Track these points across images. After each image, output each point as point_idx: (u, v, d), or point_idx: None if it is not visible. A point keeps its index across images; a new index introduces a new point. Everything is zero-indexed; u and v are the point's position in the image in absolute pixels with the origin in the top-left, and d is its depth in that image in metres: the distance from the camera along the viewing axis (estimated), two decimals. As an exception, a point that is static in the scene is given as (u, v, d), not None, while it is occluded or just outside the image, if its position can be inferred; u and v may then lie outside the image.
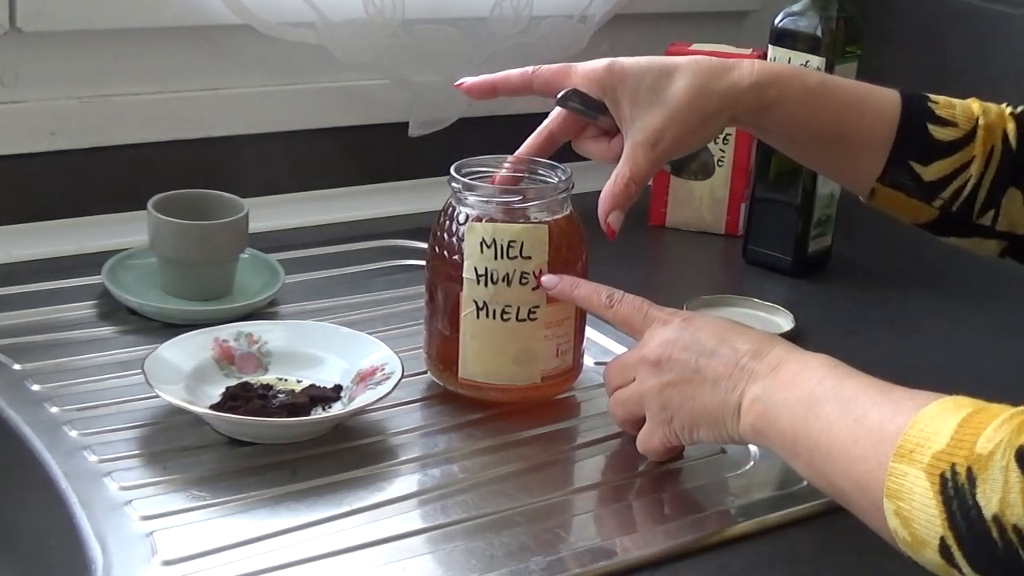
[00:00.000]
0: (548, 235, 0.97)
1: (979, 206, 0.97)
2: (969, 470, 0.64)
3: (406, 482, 0.91)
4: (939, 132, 0.95)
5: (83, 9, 1.22)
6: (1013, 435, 0.63)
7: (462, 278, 0.97)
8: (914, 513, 0.66)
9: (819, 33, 1.25)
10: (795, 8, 1.27)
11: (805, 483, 0.88)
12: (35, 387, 0.98)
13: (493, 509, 0.87)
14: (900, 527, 0.68)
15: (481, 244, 0.96)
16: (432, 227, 1.01)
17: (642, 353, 0.89)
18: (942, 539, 0.65)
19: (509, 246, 0.96)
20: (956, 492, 0.64)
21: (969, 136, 0.96)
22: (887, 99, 0.97)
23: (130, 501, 0.85)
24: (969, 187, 0.96)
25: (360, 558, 0.82)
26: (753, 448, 0.94)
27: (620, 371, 0.93)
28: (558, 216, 0.99)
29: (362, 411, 0.96)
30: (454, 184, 0.99)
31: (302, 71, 1.37)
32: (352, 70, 1.36)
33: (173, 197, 1.13)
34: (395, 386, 0.96)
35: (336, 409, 0.96)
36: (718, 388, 0.84)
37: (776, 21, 1.28)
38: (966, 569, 0.65)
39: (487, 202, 0.98)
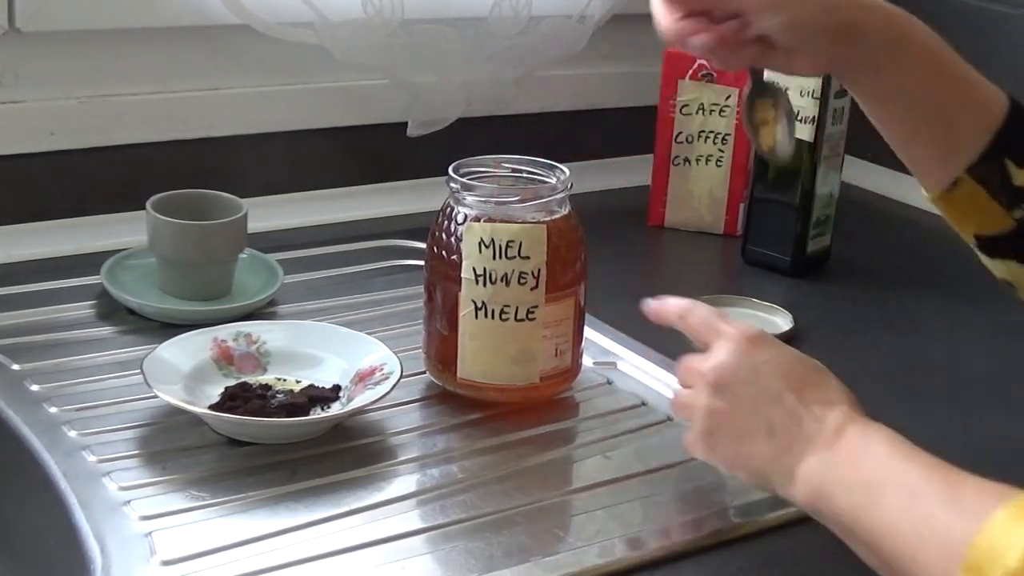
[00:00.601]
0: (547, 235, 0.97)
1: None
2: None
3: (405, 482, 0.91)
4: None
5: (82, 9, 1.22)
6: None
7: (461, 278, 0.97)
8: None
9: (818, 33, 1.25)
10: (794, 8, 1.27)
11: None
12: (34, 387, 0.98)
13: (492, 509, 0.88)
14: None
15: (480, 244, 0.96)
16: (431, 227, 1.01)
17: (702, 368, 0.83)
18: None
19: (508, 246, 0.96)
20: None
21: None
22: (996, 91, 0.92)
23: (129, 501, 0.85)
24: None
25: (359, 558, 0.82)
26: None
27: (686, 373, 0.86)
28: (556, 216, 0.99)
29: (361, 411, 0.96)
30: (453, 184, 0.99)
31: (301, 71, 1.37)
32: (351, 70, 1.36)
33: (172, 197, 1.13)
34: (394, 386, 0.96)
35: (335, 409, 0.96)
36: (773, 442, 0.79)
37: (775, 21, 1.28)
38: None
39: (485, 202, 0.98)
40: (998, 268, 0.93)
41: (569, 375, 1.02)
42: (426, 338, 1.02)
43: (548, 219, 0.98)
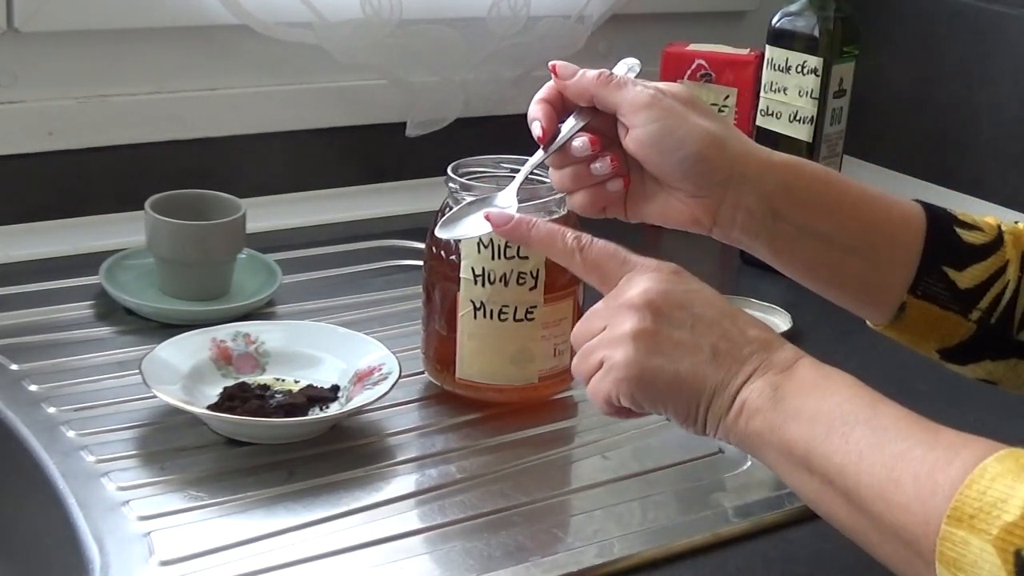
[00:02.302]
0: (545, 235, 0.97)
1: (1020, 316, 0.85)
2: None
3: (403, 482, 0.91)
4: (968, 235, 0.84)
5: (81, 9, 1.22)
6: None
7: (459, 278, 0.97)
8: None
9: (816, 33, 1.25)
10: (792, 8, 1.27)
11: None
12: (32, 387, 0.98)
13: (491, 509, 0.88)
14: None
15: (478, 244, 0.96)
16: (430, 227, 1.01)
17: (621, 299, 0.75)
18: None
19: (506, 246, 0.96)
20: None
21: (998, 240, 0.85)
22: (907, 203, 0.86)
23: (128, 501, 0.85)
24: (1008, 294, 0.84)
25: (358, 558, 0.82)
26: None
27: (587, 325, 0.77)
28: (555, 216, 0.99)
29: (359, 411, 0.96)
30: (451, 184, 0.99)
31: (300, 71, 1.37)
32: (350, 70, 1.36)
33: (171, 197, 1.13)
34: (392, 386, 0.96)
35: (333, 409, 0.96)
36: (714, 365, 0.72)
37: (773, 21, 1.28)
38: None
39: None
40: (975, 372, 0.88)
41: (568, 375, 1.02)
42: (425, 338, 1.02)
43: (547, 219, 0.98)
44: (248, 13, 1.27)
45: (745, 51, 1.37)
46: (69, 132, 1.26)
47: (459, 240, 0.96)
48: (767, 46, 1.28)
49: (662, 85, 0.83)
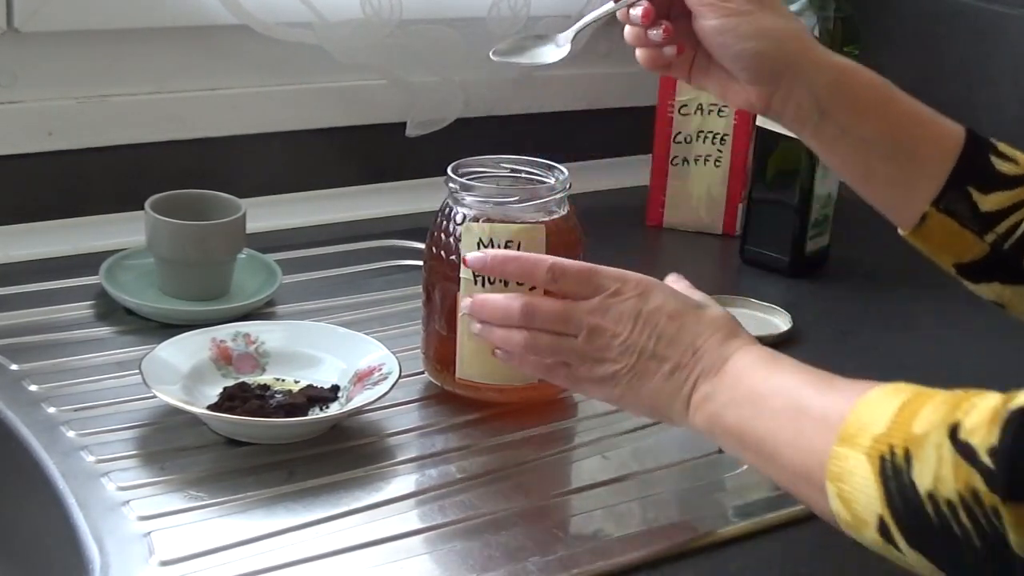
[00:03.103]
0: (545, 235, 0.97)
1: None
2: (906, 451, 0.66)
3: (403, 482, 0.91)
4: (1001, 165, 0.91)
5: (80, 10, 1.22)
6: (947, 415, 0.66)
7: (459, 278, 0.97)
8: (855, 494, 0.69)
9: (816, 33, 1.25)
10: (792, 8, 1.27)
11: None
12: (32, 387, 0.98)
13: (490, 509, 0.88)
14: (841, 508, 0.70)
15: (478, 244, 0.96)
16: (430, 227, 1.01)
17: (596, 322, 0.86)
18: (880, 518, 0.68)
19: (506, 246, 0.95)
20: (894, 472, 0.67)
21: None
22: (951, 124, 0.92)
23: (128, 501, 0.85)
24: None
25: (357, 558, 0.82)
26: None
27: (563, 321, 0.87)
28: (555, 216, 0.99)
29: (359, 411, 0.96)
30: (451, 184, 0.99)
31: (299, 71, 1.37)
32: (350, 70, 1.36)
33: (171, 197, 1.13)
34: (392, 386, 0.96)
35: (333, 409, 0.96)
36: (672, 381, 0.84)
37: (773, 21, 1.28)
38: (902, 545, 0.67)
39: (484, 202, 0.98)
40: (985, 291, 0.94)
41: (568, 375, 1.02)
42: (424, 338, 1.02)
43: (547, 219, 0.98)
44: (248, 13, 1.27)
45: (745, 51, 1.37)
46: (69, 132, 1.26)
47: (459, 239, 0.96)
48: (767, 46, 1.28)
49: None
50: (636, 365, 0.85)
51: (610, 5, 0.91)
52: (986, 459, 0.63)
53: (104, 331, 1.08)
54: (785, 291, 1.29)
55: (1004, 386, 0.85)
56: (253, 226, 1.16)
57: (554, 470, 0.95)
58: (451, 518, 0.86)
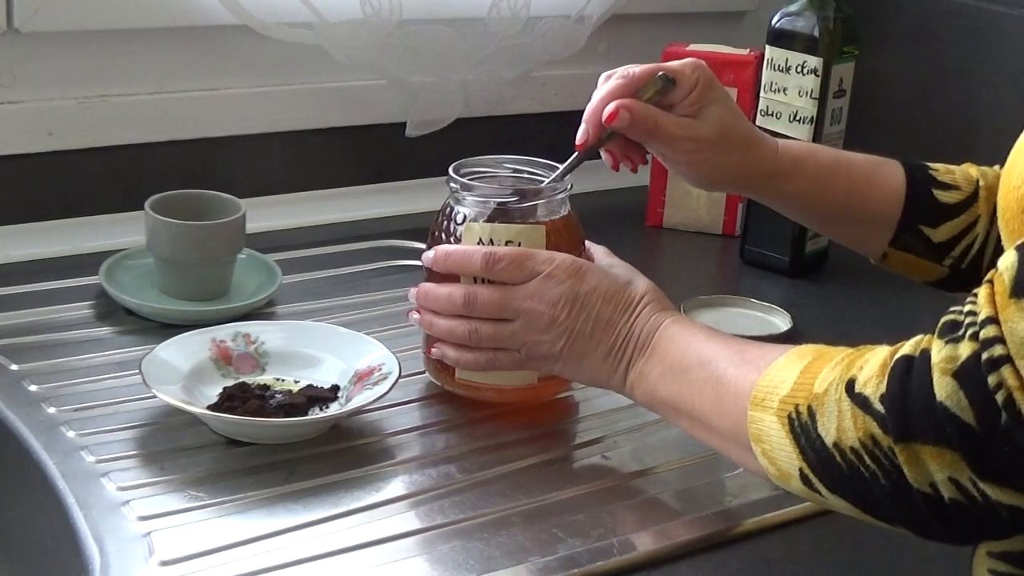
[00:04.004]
0: (546, 235, 0.97)
1: (988, 261, 0.99)
2: (809, 408, 0.72)
3: (403, 482, 0.91)
4: (944, 196, 1.00)
5: (80, 10, 1.22)
6: (843, 372, 0.72)
7: (459, 278, 0.97)
8: (775, 452, 0.75)
9: (816, 33, 1.25)
10: (792, 8, 1.27)
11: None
12: (32, 387, 0.98)
13: (490, 509, 0.88)
14: (768, 465, 0.76)
15: (479, 244, 0.96)
16: (430, 227, 1.01)
17: (530, 306, 0.92)
18: (800, 470, 0.73)
19: (506, 246, 0.95)
20: (802, 428, 0.73)
21: (972, 197, 1.00)
22: (892, 172, 1.02)
23: (127, 501, 0.85)
24: (977, 244, 1.00)
25: (357, 558, 0.82)
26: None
27: (501, 307, 0.93)
28: (556, 216, 0.99)
29: (359, 411, 0.96)
30: (452, 184, 0.99)
31: (299, 71, 1.37)
32: (349, 70, 1.36)
33: (170, 197, 1.13)
34: (392, 386, 0.96)
35: (333, 409, 0.96)
36: (609, 361, 0.90)
37: (773, 21, 1.28)
38: (824, 491, 0.73)
39: (485, 202, 0.98)
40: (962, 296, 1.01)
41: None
42: (425, 338, 1.02)
43: (547, 219, 0.98)
44: (248, 13, 1.27)
45: (745, 51, 1.37)
46: (69, 132, 1.26)
47: (460, 240, 0.96)
48: (767, 46, 1.28)
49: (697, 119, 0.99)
50: (575, 346, 0.91)
51: (573, 159, 0.98)
52: (878, 406, 0.68)
53: (104, 331, 1.08)
54: (785, 291, 1.29)
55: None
56: (253, 226, 1.16)
57: (554, 470, 0.95)
58: (451, 518, 0.86)
